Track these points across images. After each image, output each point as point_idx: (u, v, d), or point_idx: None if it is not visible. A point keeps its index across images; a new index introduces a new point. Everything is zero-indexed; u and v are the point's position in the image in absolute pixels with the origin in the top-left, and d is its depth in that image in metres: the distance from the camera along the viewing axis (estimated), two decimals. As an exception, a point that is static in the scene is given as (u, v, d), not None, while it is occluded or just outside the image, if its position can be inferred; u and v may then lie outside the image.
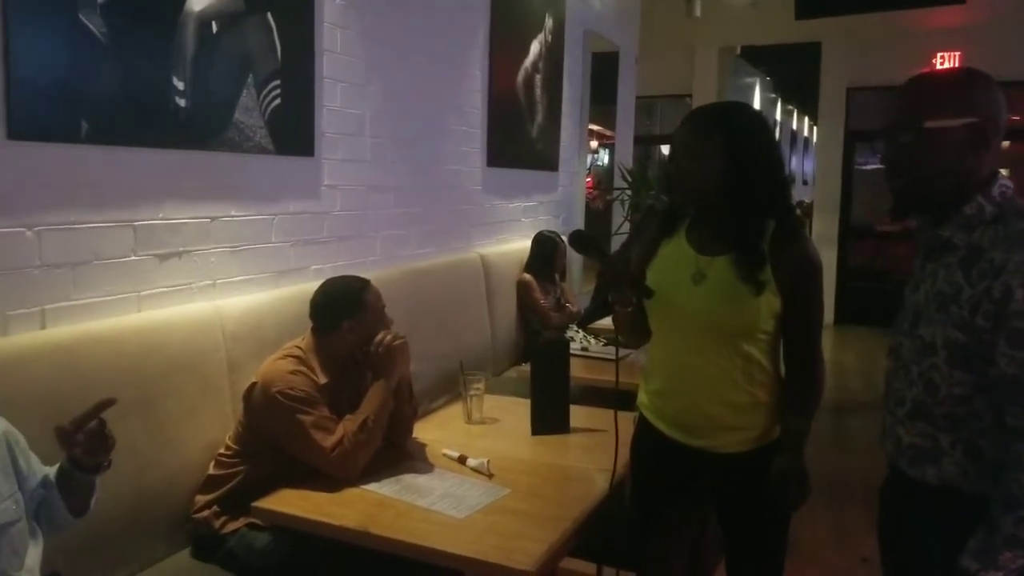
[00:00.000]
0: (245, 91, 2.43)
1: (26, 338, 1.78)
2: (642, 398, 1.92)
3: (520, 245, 4.21)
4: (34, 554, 1.43)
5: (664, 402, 1.83)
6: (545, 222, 4.73)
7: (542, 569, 1.62)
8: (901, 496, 1.44)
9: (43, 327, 1.84)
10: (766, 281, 1.68)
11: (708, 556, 2.09)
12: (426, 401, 2.85)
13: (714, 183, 1.69)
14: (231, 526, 1.97)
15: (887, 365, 1.46)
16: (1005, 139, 1.41)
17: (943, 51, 7.57)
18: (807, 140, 16.66)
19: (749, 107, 1.89)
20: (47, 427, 1.43)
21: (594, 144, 12.01)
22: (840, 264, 8.28)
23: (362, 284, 2.18)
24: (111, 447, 1.43)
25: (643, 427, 1.90)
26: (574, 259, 5.19)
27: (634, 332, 1.89)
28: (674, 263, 1.80)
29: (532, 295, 3.97)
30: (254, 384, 2.02)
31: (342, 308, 2.11)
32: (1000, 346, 1.23)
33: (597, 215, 6.98)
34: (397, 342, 2.11)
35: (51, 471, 1.49)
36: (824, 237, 8.24)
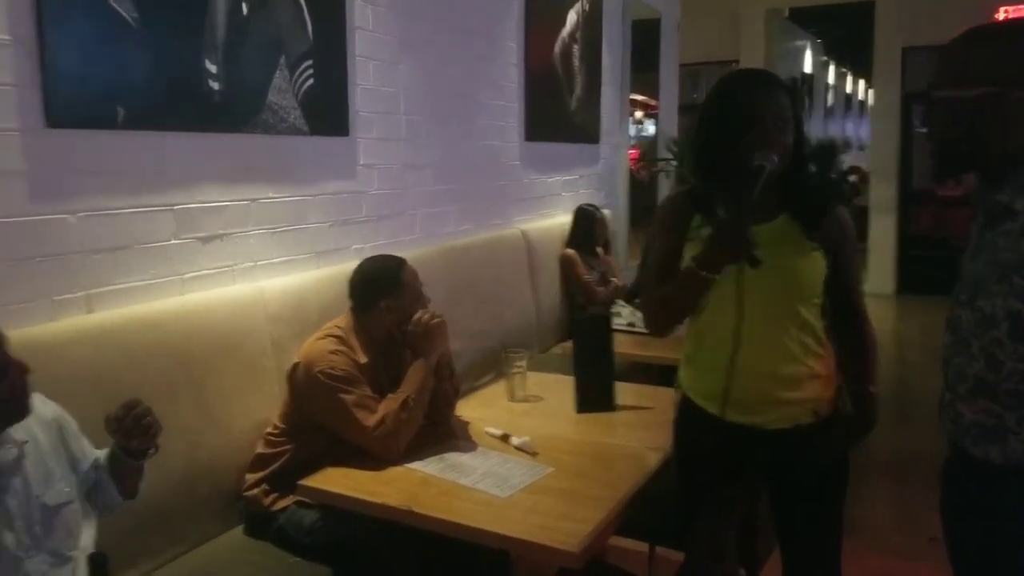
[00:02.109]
0: (278, 72, 2.45)
1: (73, 322, 1.84)
2: (684, 377, 1.86)
3: (562, 220, 4.19)
4: (88, 534, 1.49)
5: (713, 379, 1.76)
6: (587, 195, 4.69)
7: (587, 549, 1.61)
8: (963, 475, 1.39)
9: (89, 311, 1.90)
10: (819, 234, 1.70)
11: (761, 542, 2.05)
12: (469, 379, 2.87)
13: (790, 145, 1.71)
14: (280, 503, 2.01)
15: (944, 339, 1.40)
16: None
17: (1007, 6, 7.25)
18: (862, 103, 16.18)
19: None
20: (96, 409, 1.48)
21: (639, 114, 11.87)
22: (900, 232, 8.04)
23: (398, 263, 2.20)
24: (156, 434, 1.47)
25: (686, 407, 1.84)
26: (620, 232, 5.16)
27: (691, 309, 1.79)
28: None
29: (575, 270, 3.95)
30: (297, 364, 2.06)
31: (379, 288, 2.13)
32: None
33: (642, 187, 6.91)
34: (435, 321, 2.12)
35: (102, 454, 1.54)
36: (882, 204, 8.02)
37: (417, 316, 2.12)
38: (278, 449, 2.06)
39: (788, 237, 1.70)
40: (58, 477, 1.44)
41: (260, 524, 2.01)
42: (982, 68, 1.25)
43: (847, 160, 9.04)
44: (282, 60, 2.47)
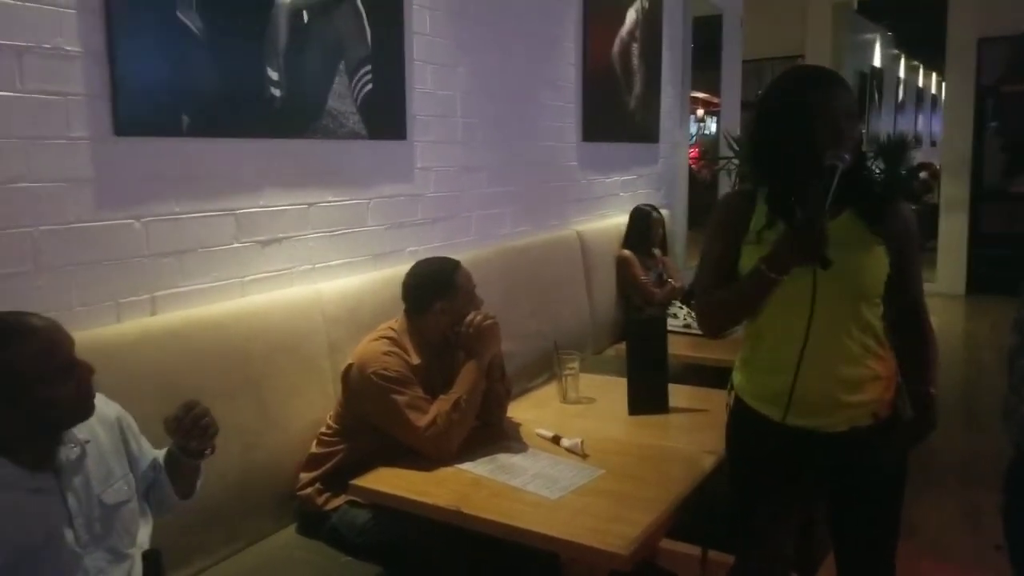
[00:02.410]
0: (337, 78, 2.48)
1: (137, 324, 1.89)
2: (740, 380, 1.80)
3: (619, 220, 4.13)
4: (144, 532, 1.52)
5: (775, 380, 1.69)
6: (645, 195, 4.62)
7: (637, 552, 1.59)
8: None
9: (153, 314, 1.96)
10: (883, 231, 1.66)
11: (817, 545, 1.99)
12: (523, 381, 2.86)
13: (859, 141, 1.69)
14: (333, 503, 2.03)
15: (1011, 340, 1.35)
16: None
17: (1092, -10, 6.85)
18: (935, 98, 15.56)
19: None
20: (159, 409, 1.52)
21: (700, 112, 11.66)
22: (972, 230, 7.69)
23: (453, 265, 2.20)
24: (214, 434, 1.50)
25: (740, 409, 1.79)
26: (678, 233, 5.07)
27: (753, 311, 1.74)
28: (784, 235, 1.65)
29: (631, 271, 3.89)
30: (350, 365, 2.08)
31: (433, 289, 2.13)
32: None
33: (704, 186, 6.78)
34: (488, 322, 2.11)
35: (160, 454, 1.58)
36: (954, 201, 7.67)
37: (470, 318, 2.11)
38: (331, 449, 2.08)
39: (852, 234, 1.65)
40: (118, 476, 1.48)
41: (313, 523, 2.03)
42: None
43: (918, 156, 8.69)
44: (341, 66, 2.50)
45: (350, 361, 2.09)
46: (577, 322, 3.60)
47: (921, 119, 15.26)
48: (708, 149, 6.90)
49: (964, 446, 4.01)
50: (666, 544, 2.29)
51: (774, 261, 1.57)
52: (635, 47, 4.44)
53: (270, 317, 2.14)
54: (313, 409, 2.18)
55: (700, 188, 7.08)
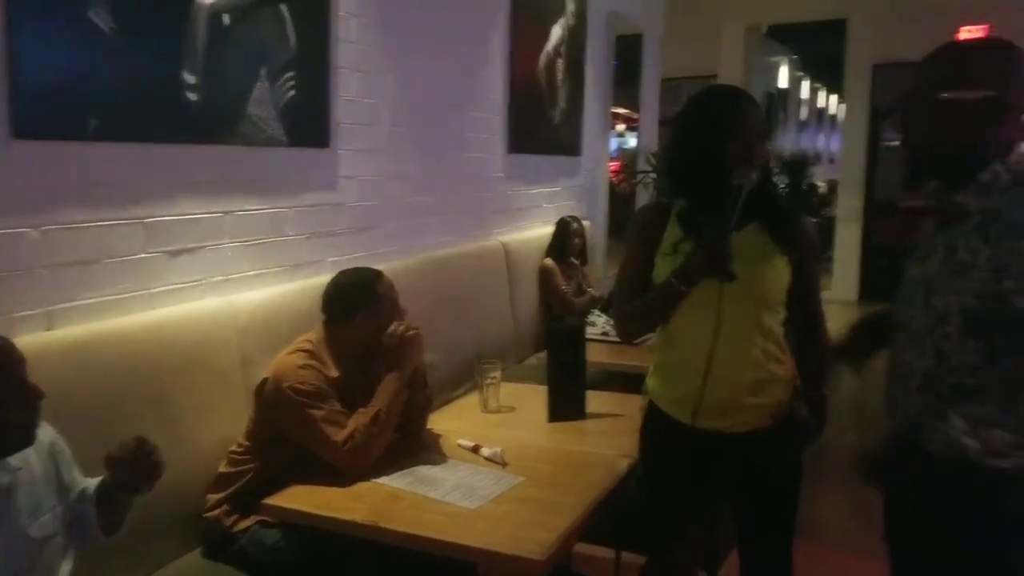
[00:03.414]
0: (258, 83, 2.35)
1: (34, 339, 1.70)
2: (653, 384, 1.82)
3: (543, 231, 4.09)
4: (66, 570, 1.36)
5: (685, 385, 1.71)
6: (569, 207, 4.60)
7: (552, 558, 1.55)
8: (909, 467, 1.38)
9: (49, 328, 1.78)
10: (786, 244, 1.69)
11: (721, 542, 2.00)
12: (446, 391, 2.77)
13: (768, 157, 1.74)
14: (242, 524, 1.90)
15: (896, 339, 1.40)
16: None
17: (969, 25, 7.23)
18: (834, 118, 16.18)
19: None
20: (61, 428, 1.38)
21: (620, 127, 11.79)
22: (865, 241, 8.01)
23: (375, 275, 2.10)
24: (160, 475, 1.37)
25: (653, 413, 1.81)
26: (598, 243, 5.07)
27: (664, 319, 1.76)
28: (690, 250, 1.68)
29: (552, 281, 3.86)
30: (265, 380, 1.95)
31: (355, 299, 2.03)
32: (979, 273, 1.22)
33: (624, 199, 6.83)
34: (410, 333, 2.02)
35: (91, 484, 1.42)
36: (849, 214, 7.99)
37: (392, 328, 2.02)
38: (241, 468, 1.95)
39: (756, 246, 1.68)
40: (46, 508, 1.32)
41: (220, 545, 1.89)
42: (984, 73, 1.28)
43: (817, 172, 8.99)
44: (263, 71, 2.36)
45: (265, 375, 1.96)
46: (500, 332, 3.54)
47: (822, 137, 15.85)
48: (628, 163, 6.95)
49: (855, 446, 4.14)
50: (581, 548, 2.25)
51: (683, 274, 1.60)
52: (560, 62, 4.42)
53: (180, 330, 1.98)
54: (224, 426, 2.03)
55: (620, 201, 7.13)
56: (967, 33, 7.25)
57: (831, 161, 14.08)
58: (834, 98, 15.89)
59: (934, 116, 1.31)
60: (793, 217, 1.75)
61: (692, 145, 1.71)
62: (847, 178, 8.21)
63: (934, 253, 1.33)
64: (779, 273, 1.69)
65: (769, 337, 1.70)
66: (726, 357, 1.66)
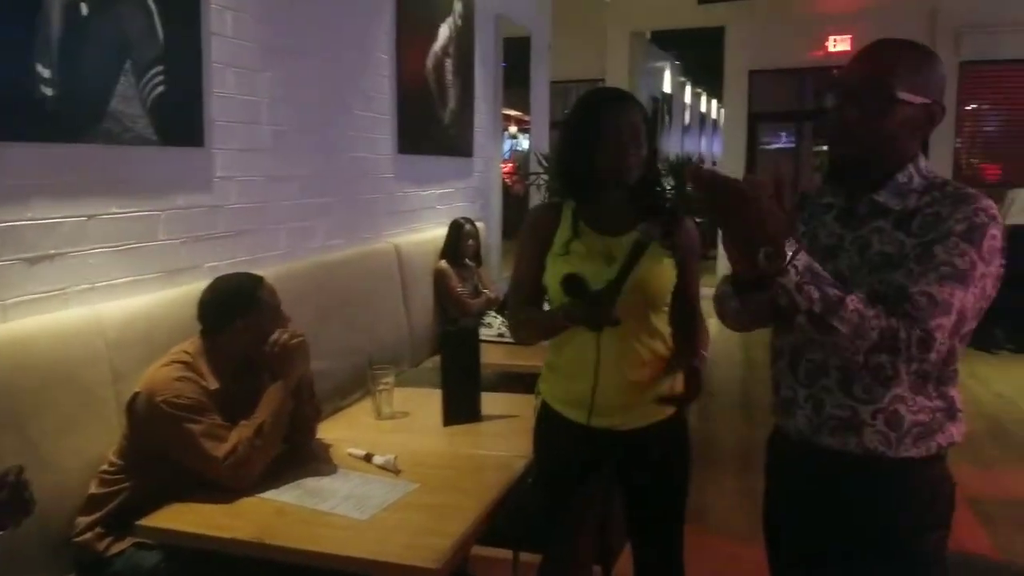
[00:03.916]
0: (123, 78, 2.20)
1: None
2: (545, 384, 1.85)
3: (436, 233, 4.06)
4: None
5: (577, 386, 1.75)
6: (463, 209, 4.59)
7: (448, 564, 1.53)
8: (813, 467, 1.40)
9: None
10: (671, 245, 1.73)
11: (615, 537, 2.03)
12: (337, 399, 2.69)
13: (644, 160, 1.74)
14: (117, 547, 1.78)
15: (794, 339, 1.39)
16: None
17: (836, 34, 7.75)
18: (715, 122, 16.95)
19: None
20: None
21: (513, 129, 11.90)
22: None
23: (255, 280, 2.01)
24: (31, 511, 1.26)
25: (546, 413, 1.84)
26: (492, 244, 5.08)
27: (554, 336, 1.79)
28: (582, 249, 1.75)
29: (447, 283, 3.83)
30: (137, 394, 1.83)
31: (234, 307, 1.93)
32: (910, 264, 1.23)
33: (517, 200, 6.88)
34: (294, 341, 1.94)
35: None
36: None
37: (275, 336, 1.93)
38: (114, 488, 1.82)
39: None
40: None
41: (93, 571, 1.77)
42: (929, 80, 1.30)
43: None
44: (128, 65, 2.22)
45: (137, 389, 1.84)
46: (395, 336, 3.48)
47: (704, 141, 16.57)
48: (521, 164, 7.03)
49: (741, 435, 4.35)
50: (479, 550, 2.24)
51: (569, 318, 1.63)
52: (449, 63, 4.40)
53: (39, 344, 1.83)
54: (93, 445, 1.89)
55: (514, 202, 7.19)
56: (833, 42, 7.78)
57: (714, 163, 14.74)
58: (715, 103, 16.66)
59: (879, 112, 1.28)
60: (678, 219, 1.77)
61: (571, 146, 1.76)
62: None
63: (844, 250, 1.33)
64: (664, 273, 1.74)
65: (656, 336, 1.75)
66: (613, 358, 1.70)
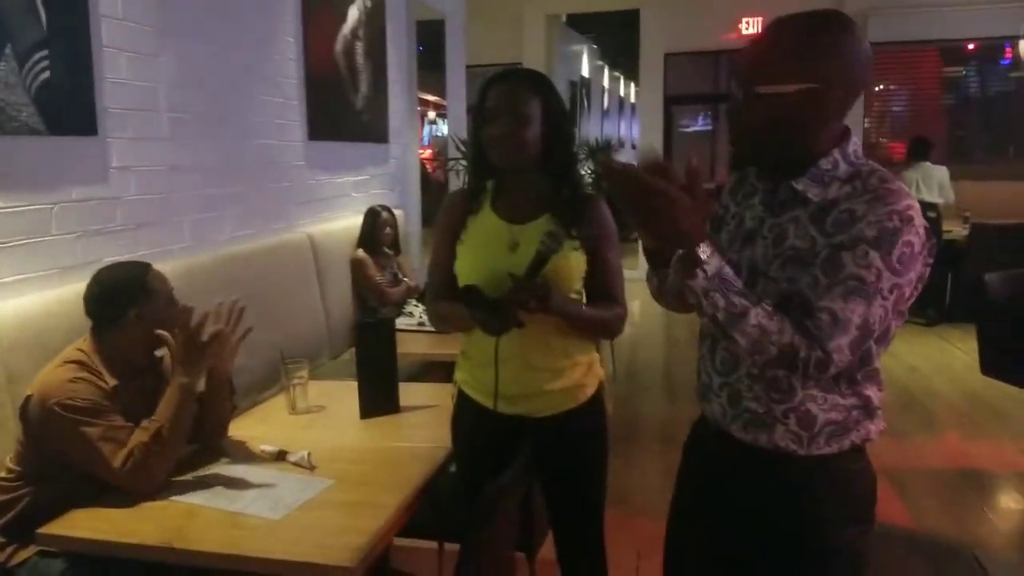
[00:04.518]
0: (3, 63, 2.09)
1: None
2: (459, 373, 1.87)
3: (352, 221, 4.01)
4: None
5: (483, 373, 1.77)
6: (379, 196, 4.54)
7: (363, 562, 1.52)
8: (723, 456, 1.39)
9: None
10: (578, 238, 1.71)
11: (537, 524, 2.06)
12: (252, 395, 2.64)
13: (535, 147, 1.68)
14: (20, 556, 1.72)
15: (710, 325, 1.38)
16: None
17: (748, 16, 7.97)
18: (633, 105, 17.25)
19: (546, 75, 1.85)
20: None
21: (432, 114, 11.81)
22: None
23: (143, 267, 1.92)
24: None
25: (462, 401, 1.86)
26: (412, 231, 5.05)
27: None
28: (486, 237, 1.75)
29: (365, 272, 3.79)
30: (29, 397, 1.74)
31: (123, 298, 1.84)
32: (815, 270, 1.18)
33: (439, 186, 6.84)
34: (204, 337, 1.82)
35: None
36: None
37: (195, 326, 1.82)
38: (13, 495, 1.75)
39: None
40: None
41: (-6, 583, 1.70)
42: (808, 62, 1.21)
43: (622, 158, 9.54)
44: (8, 50, 2.11)
45: (28, 392, 1.75)
46: (311, 328, 3.43)
47: (623, 124, 16.83)
48: (441, 150, 6.99)
49: (663, 415, 4.47)
50: (403, 542, 2.24)
51: (478, 324, 1.65)
52: (359, 46, 4.33)
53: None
54: (-14, 453, 1.81)
55: (435, 188, 7.15)
56: (747, 24, 8.01)
57: (633, 147, 15.01)
58: (633, 86, 16.93)
59: (754, 110, 1.24)
60: (586, 205, 1.76)
61: (471, 129, 1.76)
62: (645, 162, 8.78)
63: (760, 238, 1.30)
64: (571, 263, 1.71)
65: (562, 325, 1.71)
66: (514, 346, 1.69)
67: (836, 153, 1.25)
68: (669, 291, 1.37)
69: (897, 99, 8.62)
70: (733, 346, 1.20)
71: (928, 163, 6.54)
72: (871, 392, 1.30)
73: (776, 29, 1.26)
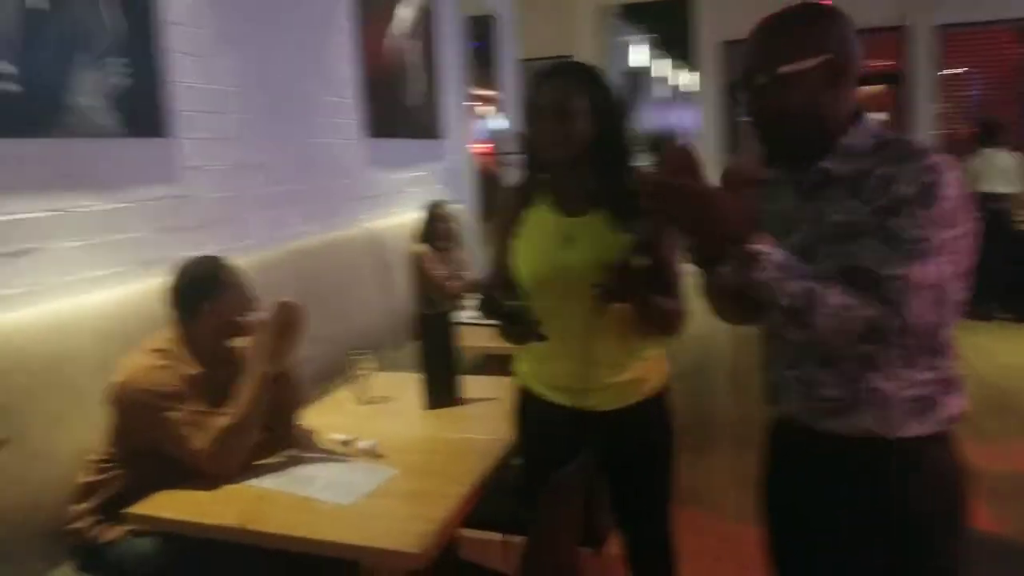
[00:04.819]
0: (81, 70, 2.21)
1: None
2: (520, 365, 1.87)
3: (411, 216, 4.09)
4: None
5: (544, 367, 1.78)
6: (436, 191, 4.61)
7: (430, 549, 1.56)
8: (810, 454, 1.36)
9: None
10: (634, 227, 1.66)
11: (602, 519, 2.07)
12: (319, 384, 2.72)
13: (583, 141, 1.66)
14: (111, 535, 1.82)
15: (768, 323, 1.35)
16: (878, 83, 1.34)
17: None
18: (691, 94, 17.00)
19: (598, 67, 1.83)
20: None
21: (490, 109, 11.83)
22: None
23: (215, 261, 2.02)
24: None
25: (523, 395, 1.86)
26: (469, 225, 5.11)
27: None
28: (541, 231, 1.76)
29: (424, 266, 3.86)
30: (115, 384, 1.85)
31: (199, 290, 1.94)
32: (871, 243, 1.18)
33: (494, 181, 6.89)
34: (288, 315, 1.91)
35: None
36: (711, 187, 8.42)
37: (256, 319, 1.92)
38: (105, 476, 1.86)
39: (602, 231, 1.68)
40: None
41: (90, 559, 1.81)
42: (817, 40, 1.25)
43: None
44: (84, 57, 2.23)
45: (115, 380, 1.86)
46: (373, 321, 3.51)
47: (681, 114, 16.59)
48: (495, 145, 7.03)
49: (733, 414, 4.36)
50: (469, 533, 2.28)
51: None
52: (412, 44, 4.40)
53: (23, 339, 1.87)
54: (83, 436, 1.93)
55: (490, 182, 7.20)
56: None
57: (692, 137, 14.76)
58: (690, 75, 16.69)
59: (781, 93, 1.26)
60: (638, 206, 1.74)
61: (523, 125, 1.75)
62: (707, 154, 8.66)
63: (801, 222, 1.29)
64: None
65: (624, 317, 1.68)
66: (575, 339, 1.70)
67: (856, 128, 1.28)
68: (729, 295, 1.35)
69: (971, 83, 8.27)
70: (811, 333, 1.19)
71: (992, 150, 6.09)
72: (949, 364, 1.29)
73: (775, 18, 1.31)
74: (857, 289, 1.18)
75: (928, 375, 1.27)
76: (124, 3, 2.37)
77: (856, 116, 1.29)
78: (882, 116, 7.95)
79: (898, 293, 1.15)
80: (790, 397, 1.37)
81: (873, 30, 7.41)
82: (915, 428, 1.27)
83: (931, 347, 1.26)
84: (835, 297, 1.16)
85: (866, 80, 9.59)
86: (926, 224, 1.16)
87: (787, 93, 1.26)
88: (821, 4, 1.29)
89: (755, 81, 1.28)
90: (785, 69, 1.25)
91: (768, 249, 1.16)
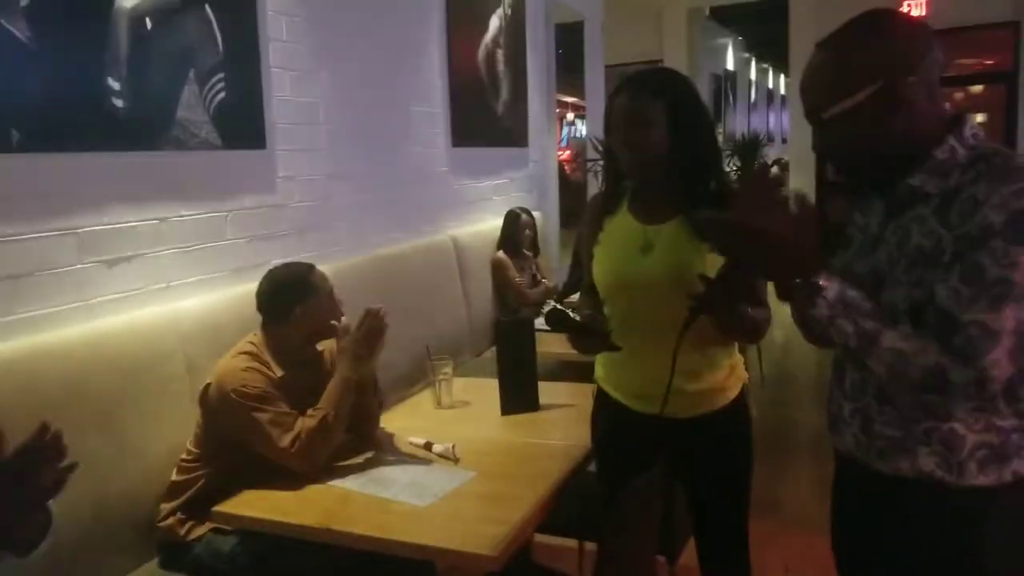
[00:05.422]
0: (187, 87, 2.36)
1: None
2: (599, 371, 1.89)
3: (493, 224, 4.14)
4: None
5: (622, 374, 1.79)
6: (518, 199, 4.66)
7: (506, 551, 1.58)
8: (867, 492, 1.29)
9: (-17, 345, 1.78)
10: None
11: (679, 527, 2.06)
12: (399, 389, 2.80)
13: (659, 150, 1.66)
14: (196, 532, 1.92)
15: (837, 349, 1.29)
16: (977, 83, 1.26)
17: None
18: (784, 97, 16.54)
19: (679, 72, 1.83)
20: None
21: (570, 116, 11.88)
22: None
23: (307, 267, 2.11)
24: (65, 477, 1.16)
25: (601, 400, 1.87)
26: (550, 233, 5.14)
27: None
28: (621, 238, 1.77)
29: (505, 273, 3.91)
30: (208, 385, 1.97)
31: (290, 295, 2.02)
32: (949, 277, 1.09)
33: (578, 188, 6.91)
34: (373, 324, 1.99)
35: None
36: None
37: (344, 327, 2.00)
38: (192, 475, 1.97)
39: (681, 240, 1.68)
40: None
41: (176, 555, 1.92)
42: (866, 68, 1.16)
43: (771, 153, 9.20)
44: (191, 74, 2.37)
45: (208, 381, 1.98)
46: (454, 327, 3.58)
47: (772, 117, 16.18)
48: (579, 152, 7.04)
49: (813, 425, 4.24)
50: (544, 539, 2.31)
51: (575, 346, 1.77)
52: (500, 53, 4.47)
53: (121, 341, 1.99)
54: (173, 435, 2.05)
55: (574, 190, 7.21)
56: (908, 7, 7.50)
57: (784, 141, 14.38)
58: (782, 78, 16.24)
59: (833, 135, 1.21)
60: (724, 205, 1.64)
61: (605, 133, 1.77)
62: (797, 157, 8.42)
63: (883, 242, 1.22)
64: (707, 265, 1.61)
65: (707, 326, 1.66)
66: (647, 348, 1.70)
67: (951, 140, 1.17)
68: (801, 324, 1.31)
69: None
70: (868, 375, 1.15)
71: None
72: None
73: (817, 53, 1.23)
74: (927, 331, 1.11)
75: (1010, 421, 1.16)
76: (232, 22, 2.51)
77: (953, 122, 1.19)
78: (979, 118, 7.52)
79: (976, 341, 1.06)
80: (846, 430, 1.31)
81: (984, 26, 7.05)
82: (983, 478, 1.16)
83: (1016, 391, 1.14)
84: (894, 341, 1.10)
85: (972, 80, 9.19)
86: (1018, 261, 1.05)
87: (845, 129, 1.19)
88: (878, 17, 1.20)
89: (813, 119, 1.24)
90: (829, 114, 1.19)
91: (825, 283, 1.12)
